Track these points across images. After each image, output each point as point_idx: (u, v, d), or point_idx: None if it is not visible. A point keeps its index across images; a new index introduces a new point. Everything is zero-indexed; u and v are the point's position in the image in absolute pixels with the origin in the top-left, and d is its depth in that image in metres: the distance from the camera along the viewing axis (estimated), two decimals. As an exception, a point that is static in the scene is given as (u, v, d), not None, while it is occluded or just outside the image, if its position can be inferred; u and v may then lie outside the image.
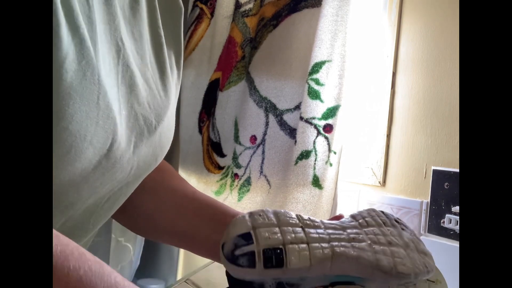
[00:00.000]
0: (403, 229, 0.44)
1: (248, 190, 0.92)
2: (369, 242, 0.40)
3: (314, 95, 0.84)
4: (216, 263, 0.58)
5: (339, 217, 0.47)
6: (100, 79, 0.34)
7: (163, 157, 0.48)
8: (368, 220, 0.44)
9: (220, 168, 1.00)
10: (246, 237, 0.38)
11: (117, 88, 0.38)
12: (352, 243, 0.40)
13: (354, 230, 0.42)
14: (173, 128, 0.50)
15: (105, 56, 0.37)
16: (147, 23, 0.46)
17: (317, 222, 0.42)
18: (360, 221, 0.44)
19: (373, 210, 0.46)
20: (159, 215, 0.54)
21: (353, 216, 0.45)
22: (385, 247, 0.40)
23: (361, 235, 0.41)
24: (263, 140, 0.91)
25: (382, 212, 0.46)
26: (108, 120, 0.35)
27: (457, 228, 0.80)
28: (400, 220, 0.46)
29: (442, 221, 0.83)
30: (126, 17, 0.42)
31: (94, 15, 0.35)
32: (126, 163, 0.39)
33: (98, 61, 0.34)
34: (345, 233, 0.41)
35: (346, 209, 0.99)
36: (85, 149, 0.33)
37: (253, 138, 0.93)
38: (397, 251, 0.40)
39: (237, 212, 0.53)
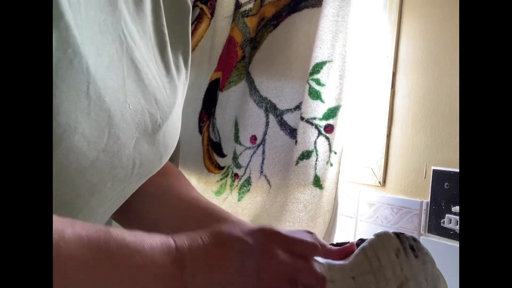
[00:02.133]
0: (416, 256, 0.41)
1: (248, 190, 0.92)
2: None
3: (315, 95, 0.84)
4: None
5: (350, 248, 0.43)
6: (89, 68, 0.33)
7: (167, 157, 0.47)
8: (381, 255, 0.40)
9: (220, 168, 1.00)
10: None
11: (123, 81, 0.37)
12: None
13: (364, 277, 0.39)
14: (179, 128, 0.49)
15: (104, 47, 0.36)
16: (151, 21, 0.45)
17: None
18: (372, 259, 0.40)
19: (387, 235, 0.42)
20: (161, 223, 0.54)
21: (364, 252, 0.41)
22: None
23: (370, 284, 0.39)
24: (263, 140, 0.92)
25: (397, 236, 0.42)
26: (101, 112, 0.34)
27: (457, 228, 0.80)
28: (414, 242, 0.42)
29: (442, 221, 0.83)
30: (131, 12, 0.41)
31: (80, 3, 0.33)
32: (125, 159, 0.38)
33: (86, 50, 0.33)
34: (353, 285, 0.39)
35: (346, 209, 0.99)
36: (76, 142, 0.32)
37: (253, 138, 0.93)
38: None
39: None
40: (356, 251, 0.42)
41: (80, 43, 0.32)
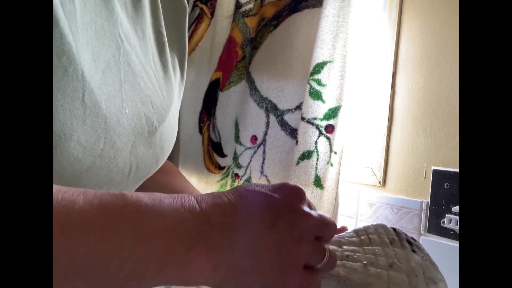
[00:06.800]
0: (414, 251, 0.40)
1: (248, 190, 0.92)
2: (365, 262, 0.37)
3: (316, 95, 0.84)
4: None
5: (342, 230, 0.44)
6: (84, 75, 0.32)
7: (164, 159, 0.47)
8: (373, 237, 0.40)
9: (220, 168, 1.00)
10: None
11: (120, 86, 0.37)
12: (344, 261, 0.37)
13: (351, 247, 0.39)
14: (176, 130, 0.49)
15: (101, 52, 0.36)
16: (150, 22, 0.45)
17: None
18: (362, 237, 0.40)
19: (383, 226, 0.42)
20: None
21: (356, 231, 0.41)
22: (383, 270, 0.37)
23: (357, 254, 0.38)
24: (264, 140, 0.92)
25: (394, 230, 0.41)
26: (97, 119, 0.34)
27: (457, 228, 0.80)
28: (414, 241, 0.41)
29: (442, 221, 0.83)
30: (129, 14, 0.42)
31: (76, 9, 0.33)
32: (122, 163, 0.38)
33: (81, 57, 0.33)
34: (339, 249, 0.38)
35: (346, 209, 0.99)
36: (72, 149, 0.32)
37: (254, 138, 0.93)
38: (397, 276, 0.37)
39: None
40: (349, 230, 0.42)
41: (75, 49, 0.32)
